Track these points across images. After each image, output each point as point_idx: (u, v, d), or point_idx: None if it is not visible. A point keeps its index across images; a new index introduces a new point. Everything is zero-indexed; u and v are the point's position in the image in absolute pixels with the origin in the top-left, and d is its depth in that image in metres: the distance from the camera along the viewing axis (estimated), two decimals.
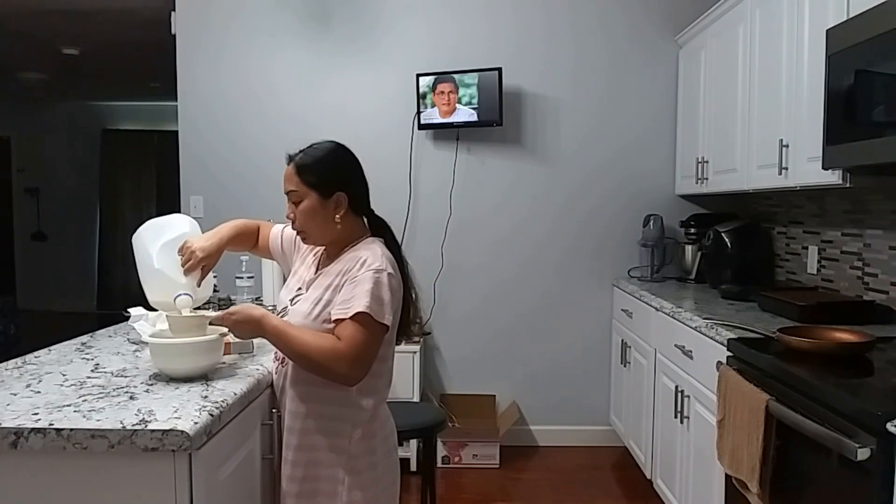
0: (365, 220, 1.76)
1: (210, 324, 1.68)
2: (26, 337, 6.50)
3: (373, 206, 1.78)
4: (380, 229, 1.76)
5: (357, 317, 1.55)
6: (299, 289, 1.74)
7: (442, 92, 3.75)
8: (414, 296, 1.76)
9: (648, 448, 3.20)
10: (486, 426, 3.73)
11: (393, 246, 1.74)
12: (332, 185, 1.66)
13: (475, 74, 3.72)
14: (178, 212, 3.95)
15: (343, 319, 1.56)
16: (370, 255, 1.63)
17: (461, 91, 3.74)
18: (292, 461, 1.68)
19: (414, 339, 1.81)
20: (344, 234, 1.70)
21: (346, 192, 1.68)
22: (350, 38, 3.90)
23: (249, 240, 1.99)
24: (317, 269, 1.76)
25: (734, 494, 2.04)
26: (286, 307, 1.75)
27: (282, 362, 1.72)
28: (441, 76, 3.76)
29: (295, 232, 1.77)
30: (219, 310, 2.15)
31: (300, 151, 1.70)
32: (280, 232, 1.96)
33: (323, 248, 1.79)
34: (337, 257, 1.71)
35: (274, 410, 1.78)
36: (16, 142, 8.62)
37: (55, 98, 8.18)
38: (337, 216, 1.67)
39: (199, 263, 1.80)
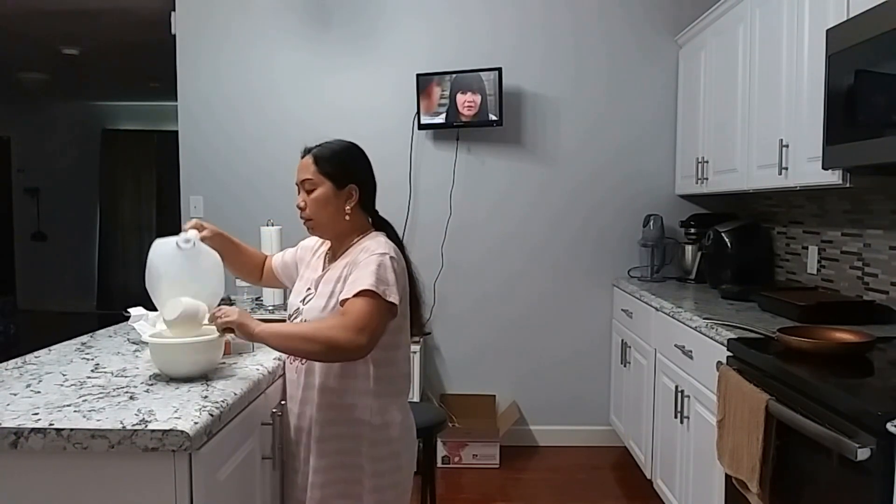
0: (369, 219, 1.83)
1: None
2: (26, 337, 6.50)
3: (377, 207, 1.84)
4: (383, 228, 1.83)
5: (362, 293, 1.58)
6: (308, 289, 1.79)
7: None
8: (419, 294, 1.83)
9: (648, 448, 3.20)
10: (486, 426, 3.73)
11: (395, 241, 1.79)
12: (346, 176, 1.74)
13: (475, 74, 3.73)
14: (179, 212, 3.97)
15: (348, 298, 1.59)
16: (373, 244, 1.70)
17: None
18: (321, 468, 1.71)
19: (415, 339, 1.85)
20: (350, 227, 1.77)
21: (359, 186, 1.75)
22: (350, 37, 3.90)
23: (251, 265, 2.01)
24: (323, 268, 1.81)
25: (734, 494, 2.04)
26: (297, 308, 1.79)
27: (299, 366, 1.76)
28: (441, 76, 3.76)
29: (293, 250, 1.91)
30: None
31: (317, 145, 1.78)
32: (281, 254, 2.02)
33: (327, 248, 1.85)
34: (342, 252, 1.77)
35: (274, 411, 1.78)
36: (16, 142, 8.62)
37: (55, 98, 8.17)
38: (347, 208, 1.74)
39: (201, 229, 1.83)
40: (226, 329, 1.63)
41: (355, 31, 3.90)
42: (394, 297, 1.61)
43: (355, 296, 1.58)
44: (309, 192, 1.73)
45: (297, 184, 1.77)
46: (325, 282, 1.74)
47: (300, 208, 1.76)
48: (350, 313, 1.56)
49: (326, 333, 1.55)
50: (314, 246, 1.93)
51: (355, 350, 1.56)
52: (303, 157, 1.77)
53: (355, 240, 1.76)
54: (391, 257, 1.66)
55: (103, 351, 1.94)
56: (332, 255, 1.81)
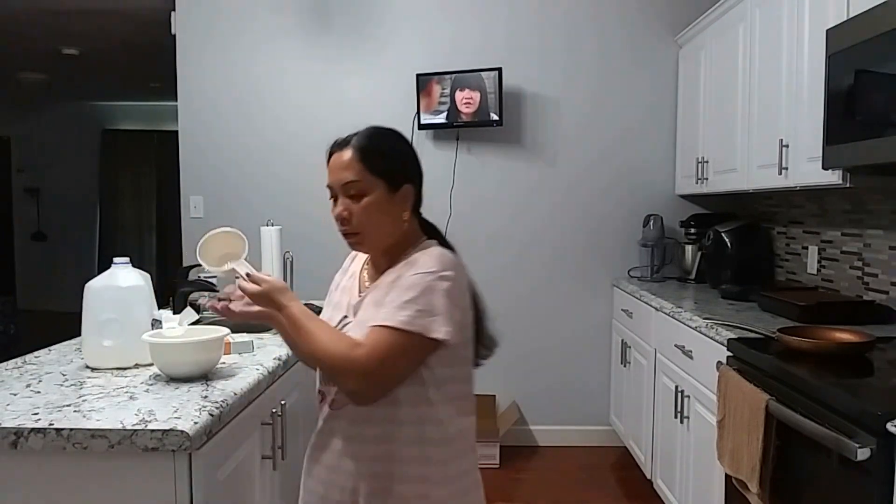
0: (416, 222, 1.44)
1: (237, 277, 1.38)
2: (26, 337, 6.50)
3: None
4: (433, 234, 1.47)
5: (389, 328, 1.23)
6: (345, 317, 1.39)
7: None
8: (481, 313, 1.45)
9: (648, 448, 3.20)
10: (486, 426, 3.72)
11: (448, 248, 1.43)
12: (401, 174, 1.37)
13: (475, 74, 3.73)
14: (179, 212, 3.97)
15: (374, 326, 1.26)
16: (424, 257, 1.32)
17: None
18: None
19: (481, 363, 1.45)
20: (403, 238, 1.38)
21: (414, 185, 1.40)
22: (350, 38, 3.90)
23: None
24: (360, 291, 1.41)
25: (734, 494, 2.04)
26: None
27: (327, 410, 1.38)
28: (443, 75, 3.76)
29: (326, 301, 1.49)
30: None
31: (353, 135, 1.35)
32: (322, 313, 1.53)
33: (363, 262, 1.47)
34: (388, 268, 1.36)
35: (274, 411, 1.78)
36: (16, 142, 8.62)
37: (55, 98, 8.17)
38: (405, 214, 1.37)
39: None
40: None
41: (355, 32, 3.90)
42: (440, 332, 1.23)
43: (381, 326, 1.24)
44: (354, 197, 1.31)
45: (331, 187, 1.34)
46: (364, 307, 1.35)
47: (343, 219, 1.33)
48: (366, 349, 1.22)
49: (331, 363, 1.24)
50: (346, 266, 1.54)
51: (352, 396, 1.27)
52: (336, 151, 1.34)
53: (406, 252, 1.36)
54: (442, 275, 1.28)
55: None
56: (375, 272, 1.40)
